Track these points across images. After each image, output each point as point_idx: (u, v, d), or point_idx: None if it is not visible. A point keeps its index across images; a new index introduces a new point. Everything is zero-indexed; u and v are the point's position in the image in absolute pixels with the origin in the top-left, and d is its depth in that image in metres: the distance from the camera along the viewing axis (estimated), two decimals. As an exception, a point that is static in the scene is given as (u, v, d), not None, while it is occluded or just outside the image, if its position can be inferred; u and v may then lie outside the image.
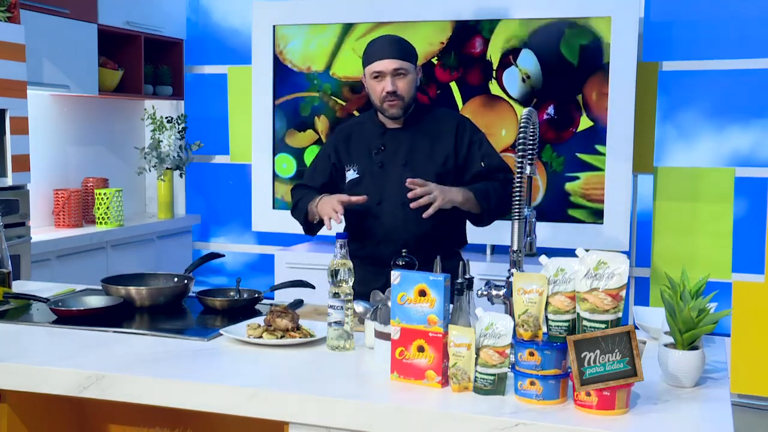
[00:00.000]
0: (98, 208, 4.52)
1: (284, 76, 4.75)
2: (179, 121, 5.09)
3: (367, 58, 2.71)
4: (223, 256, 2.82)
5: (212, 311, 2.43)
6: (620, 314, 1.62)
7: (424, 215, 2.57)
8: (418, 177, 2.67)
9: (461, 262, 1.88)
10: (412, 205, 2.57)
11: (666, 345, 1.78)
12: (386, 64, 2.65)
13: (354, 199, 2.65)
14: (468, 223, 2.84)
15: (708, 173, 4.41)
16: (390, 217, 2.71)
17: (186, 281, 2.56)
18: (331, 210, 2.62)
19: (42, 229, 4.32)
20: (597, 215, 4.27)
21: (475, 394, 1.69)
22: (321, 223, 2.78)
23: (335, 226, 2.65)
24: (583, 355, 1.58)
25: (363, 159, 2.79)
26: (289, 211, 3.03)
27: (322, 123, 4.70)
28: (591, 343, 1.58)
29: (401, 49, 2.69)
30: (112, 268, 4.36)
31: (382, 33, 4.48)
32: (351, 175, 2.79)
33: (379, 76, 2.67)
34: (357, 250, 2.68)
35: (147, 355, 1.98)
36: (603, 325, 1.61)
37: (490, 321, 1.69)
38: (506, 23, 4.36)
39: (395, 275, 1.78)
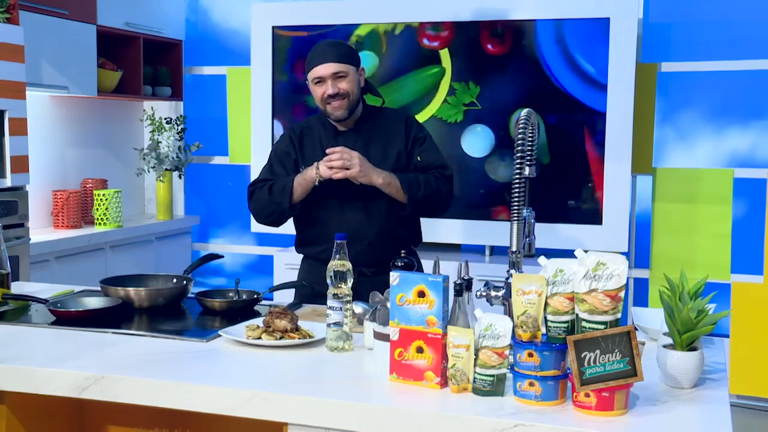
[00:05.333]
0: (97, 209, 4.52)
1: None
2: (178, 122, 5.09)
3: (308, 64, 2.72)
4: (222, 257, 2.82)
5: (211, 312, 2.43)
6: (619, 315, 1.63)
7: (334, 176, 2.59)
8: None
9: (459, 263, 1.88)
10: (326, 163, 2.58)
11: (665, 346, 1.78)
12: (325, 69, 2.66)
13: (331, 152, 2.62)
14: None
15: (707, 174, 4.41)
16: (352, 219, 2.70)
17: (185, 282, 2.56)
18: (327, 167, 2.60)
19: (41, 230, 4.31)
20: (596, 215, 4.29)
21: (474, 395, 1.69)
22: (294, 208, 2.73)
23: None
24: (583, 355, 1.58)
25: (317, 161, 2.73)
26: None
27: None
28: (591, 343, 1.58)
29: (340, 52, 2.69)
30: (111, 269, 4.36)
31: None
32: None
33: (320, 81, 2.68)
34: (321, 253, 2.70)
35: (146, 356, 1.98)
36: (602, 326, 1.61)
37: (489, 322, 1.69)
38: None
39: (394, 276, 1.78)
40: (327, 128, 2.80)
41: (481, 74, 4.43)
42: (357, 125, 2.78)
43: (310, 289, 2.67)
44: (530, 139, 2.12)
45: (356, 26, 4.58)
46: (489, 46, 4.40)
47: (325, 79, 2.67)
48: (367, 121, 2.80)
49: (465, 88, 4.45)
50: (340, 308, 2.00)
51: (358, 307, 2.21)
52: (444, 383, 1.74)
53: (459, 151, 4.46)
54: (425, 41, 4.48)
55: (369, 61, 4.57)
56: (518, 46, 4.36)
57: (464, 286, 1.83)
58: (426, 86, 4.51)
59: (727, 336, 4.35)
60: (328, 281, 2.01)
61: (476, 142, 4.47)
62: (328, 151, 2.63)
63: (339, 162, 2.58)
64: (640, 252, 4.60)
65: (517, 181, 2.09)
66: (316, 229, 2.77)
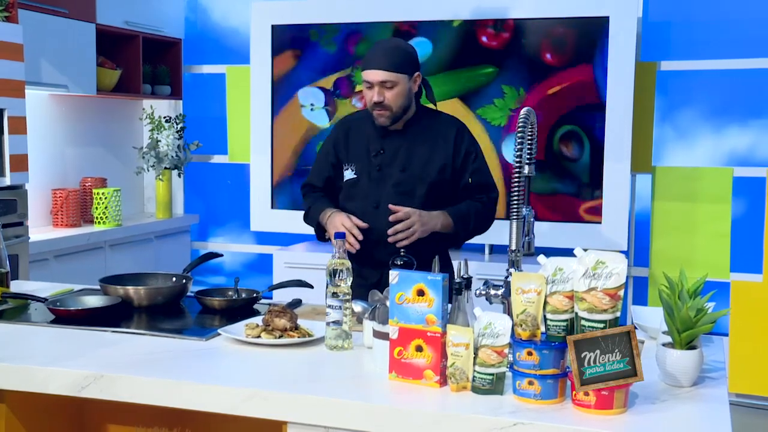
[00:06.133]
0: (96, 208, 4.52)
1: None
2: (177, 121, 5.08)
3: (363, 64, 2.71)
4: (222, 255, 2.82)
5: (210, 311, 2.43)
6: (618, 314, 1.63)
7: (399, 245, 2.60)
8: (414, 183, 2.71)
9: (459, 262, 1.88)
10: (390, 239, 2.60)
11: (664, 345, 1.78)
12: (374, 75, 2.64)
13: (358, 223, 2.66)
14: None
15: (706, 173, 4.41)
16: (386, 221, 2.69)
17: (184, 281, 2.55)
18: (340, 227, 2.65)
19: (40, 229, 4.31)
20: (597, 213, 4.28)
21: (474, 393, 1.69)
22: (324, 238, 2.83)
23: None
24: (583, 355, 1.58)
25: (361, 159, 2.79)
26: (287, 211, 3.04)
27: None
28: (591, 343, 1.58)
29: (393, 60, 2.65)
30: (110, 267, 4.35)
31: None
32: (349, 174, 2.80)
33: (369, 85, 2.67)
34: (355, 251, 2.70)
35: (145, 355, 1.98)
36: (601, 325, 1.61)
37: (489, 321, 1.69)
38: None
39: (393, 275, 1.78)
40: (376, 126, 2.78)
41: (533, 82, 4.33)
42: (406, 126, 2.76)
43: (311, 287, 2.68)
44: (529, 137, 2.12)
45: (358, 24, 4.58)
46: (548, 56, 4.30)
47: (373, 86, 2.65)
48: (418, 124, 2.77)
49: (515, 93, 4.37)
50: (340, 307, 2.00)
51: (358, 306, 2.21)
52: (443, 382, 1.74)
53: (497, 155, 4.39)
54: (484, 39, 4.39)
55: (423, 48, 4.46)
56: (579, 61, 4.24)
57: (463, 284, 1.83)
58: (476, 84, 4.42)
59: (727, 335, 4.35)
60: (327, 279, 2.01)
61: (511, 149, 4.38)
62: (391, 222, 2.61)
63: (403, 235, 2.60)
64: (639, 250, 4.60)
65: (516, 179, 2.09)
66: None
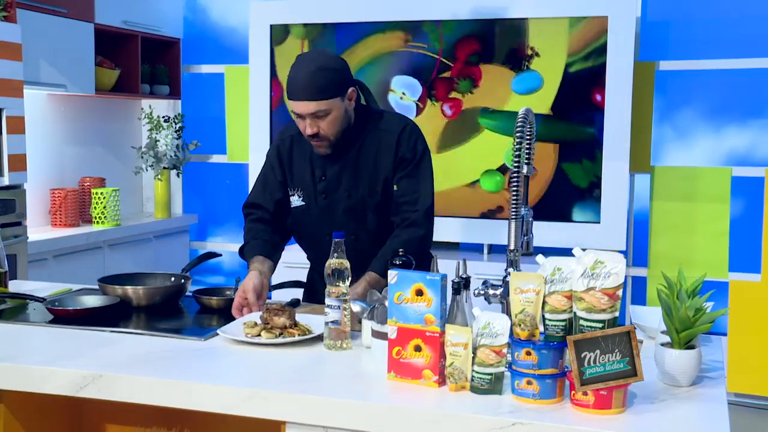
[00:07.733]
0: (95, 208, 4.52)
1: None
2: (176, 121, 5.08)
3: (287, 92, 2.42)
4: (220, 255, 2.82)
5: (209, 310, 2.43)
6: (617, 313, 1.63)
7: None
8: (364, 208, 2.52)
9: (458, 262, 1.88)
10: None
11: (663, 344, 1.78)
12: (302, 107, 2.37)
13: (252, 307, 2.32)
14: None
15: (705, 173, 4.41)
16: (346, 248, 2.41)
17: (183, 281, 2.55)
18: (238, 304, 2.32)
19: (38, 229, 4.31)
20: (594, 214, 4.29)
21: (472, 393, 1.69)
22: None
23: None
24: (582, 355, 1.58)
25: (306, 185, 2.57)
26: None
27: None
28: (591, 343, 1.58)
29: (319, 86, 2.35)
30: (109, 267, 4.35)
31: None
32: (296, 201, 2.59)
33: (299, 116, 2.42)
34: (318, 268, 2.60)
35: (144, 354, 1.98)
36: (600, 325, 1.61)
37: (487, 320, 1.69)
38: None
39: (392, 275, 1.78)
40: None
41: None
42: (347, 141, 2.51)
43: (310, 290, 2.67)
44: (528, 137, 2.12)
45: (359, 24, 4.57)
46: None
47: (305, 117, 2.40)
48: (360, 135, 2.52)
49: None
50: (339, 307, 2.00)
51: (357, 306, 2.20)
52: (442, 381, 1.74)
53: (567, 217, 4.31)
54: (597, 97, 4.23)
55: (531, 82, 4.33)
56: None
57: (462, 284, 1.83)
58: (573, 137, 4.29)
59: (725, 334, 4.36)
60: (326, 280, 2.01)
61: (588, 215, 4.29)
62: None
63: None
64: (638, 250, 4.60)
65: (515, 179, 2.09)
66: (311, 252, 2.71)
